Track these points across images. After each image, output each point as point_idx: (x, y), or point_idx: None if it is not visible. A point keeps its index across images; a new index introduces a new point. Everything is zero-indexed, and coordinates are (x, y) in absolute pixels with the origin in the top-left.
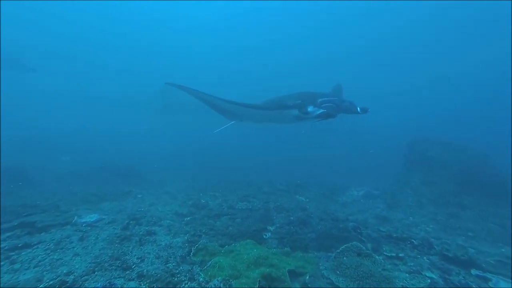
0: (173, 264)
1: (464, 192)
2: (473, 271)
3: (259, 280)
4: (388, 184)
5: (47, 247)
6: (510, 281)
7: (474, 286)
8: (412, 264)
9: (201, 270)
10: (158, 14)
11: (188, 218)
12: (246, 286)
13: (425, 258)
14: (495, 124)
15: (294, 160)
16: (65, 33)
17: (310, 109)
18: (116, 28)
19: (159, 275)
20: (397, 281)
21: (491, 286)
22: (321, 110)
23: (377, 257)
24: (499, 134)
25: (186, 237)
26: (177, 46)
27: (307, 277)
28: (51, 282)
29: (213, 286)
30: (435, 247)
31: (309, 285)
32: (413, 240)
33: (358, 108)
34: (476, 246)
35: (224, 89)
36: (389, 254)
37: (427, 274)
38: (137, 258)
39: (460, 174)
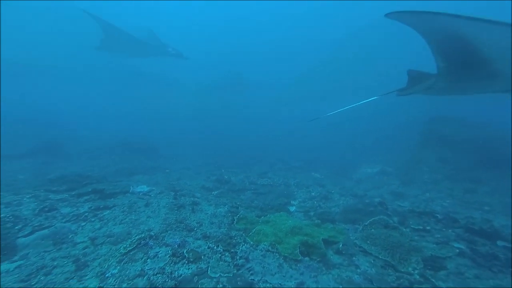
0: (225, 229)
1: (479, 168)
2: (499, 242)
3: (299, 246)
4: (401, 161)
5: (122, 209)
6: None
7: (501, 256)
8: (439, 236)
9: (247, 236)
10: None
11: (216, 192)
12: (289, 250)
13: (450, 230)
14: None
15: (303, 137)
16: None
17: None
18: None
19: (220, 237)
20: (426, 250)
21: None
22: None
23: (404, 229)
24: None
25: (226, 208)
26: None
27: (341, 245)
28: (142, 235)
29: (262, 248)
30: (460, 221)
31: (343, 252)
32: (437, 215)
33: None
34: (493, 219)
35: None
36: (416, 227)
37: (455, 245)
38: (196, 223)
39: (477, 150)
